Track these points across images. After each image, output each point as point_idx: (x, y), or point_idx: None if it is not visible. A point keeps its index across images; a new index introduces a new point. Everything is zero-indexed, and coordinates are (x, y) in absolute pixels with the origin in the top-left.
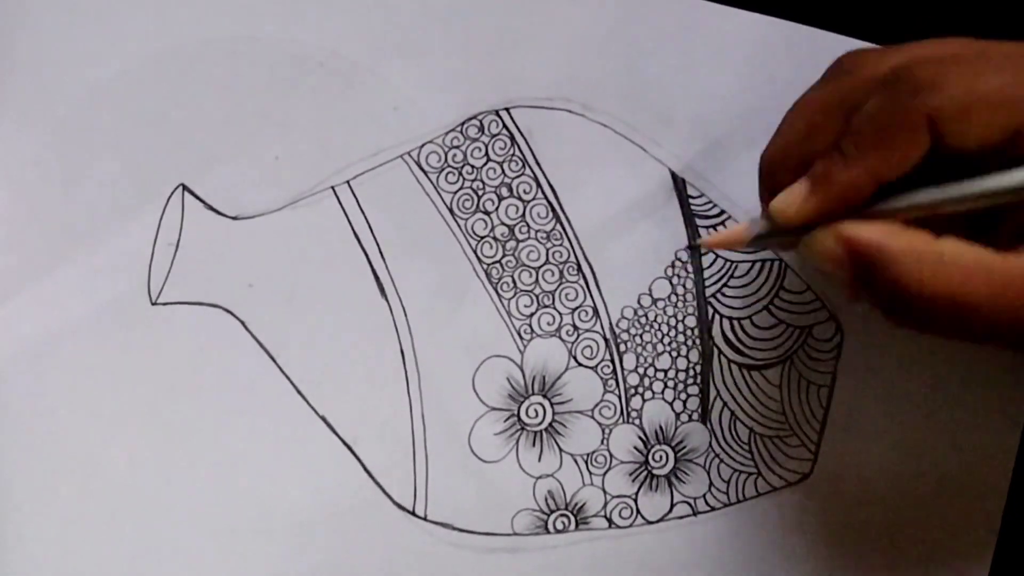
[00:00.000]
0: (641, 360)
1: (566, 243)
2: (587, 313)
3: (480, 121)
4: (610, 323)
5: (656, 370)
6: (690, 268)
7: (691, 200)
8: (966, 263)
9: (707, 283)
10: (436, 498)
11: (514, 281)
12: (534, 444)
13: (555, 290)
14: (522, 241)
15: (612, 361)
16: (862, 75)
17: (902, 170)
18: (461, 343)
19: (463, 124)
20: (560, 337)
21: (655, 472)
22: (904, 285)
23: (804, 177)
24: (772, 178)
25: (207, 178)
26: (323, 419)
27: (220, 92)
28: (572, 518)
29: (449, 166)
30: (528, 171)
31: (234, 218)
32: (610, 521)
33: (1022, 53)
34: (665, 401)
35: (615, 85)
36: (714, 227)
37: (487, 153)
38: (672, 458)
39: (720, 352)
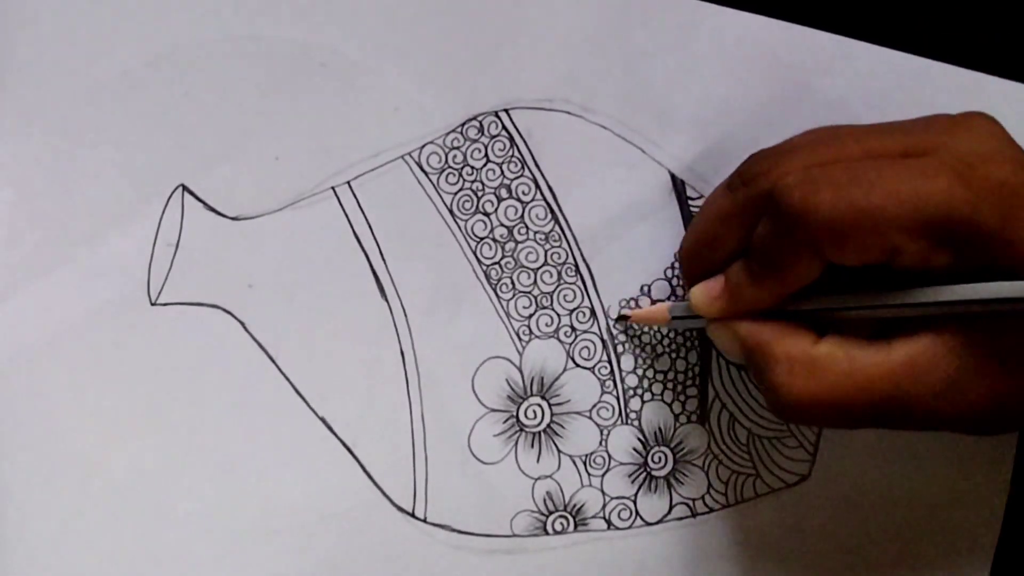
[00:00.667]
0: (640, 361)
1: (565, 244)
2: (585, 314)
3: (480, 122)
4: (608, 324)
5: (655, 371)
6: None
7: (690, 201)
8: (836, 367)
9: None
10: (435, 500)
11: (513, 282)
12: (533, 445)
13: (553, 291)
14: (521, 242)
15: (610, 362)
16: (755, 188)
17: (803, 283)
18: (460, 344)
19: (463, 125)
20: (558, 338)
21: (654, 473)
22: (776, 389)
23: (720, 276)
24: (688, 269)
25: (207, 178)
26: (323, 420)
27: (220, 92)
28: (571, 519)
29: (449, 167)
30: (527, 172)
31: (234, 218)
32: (609, 522)
33: (898, 151)
34: (664, 402)
35: (614, 86)
36: None
37: (486, 154)
38: (671, 459)
39: (718, 353)
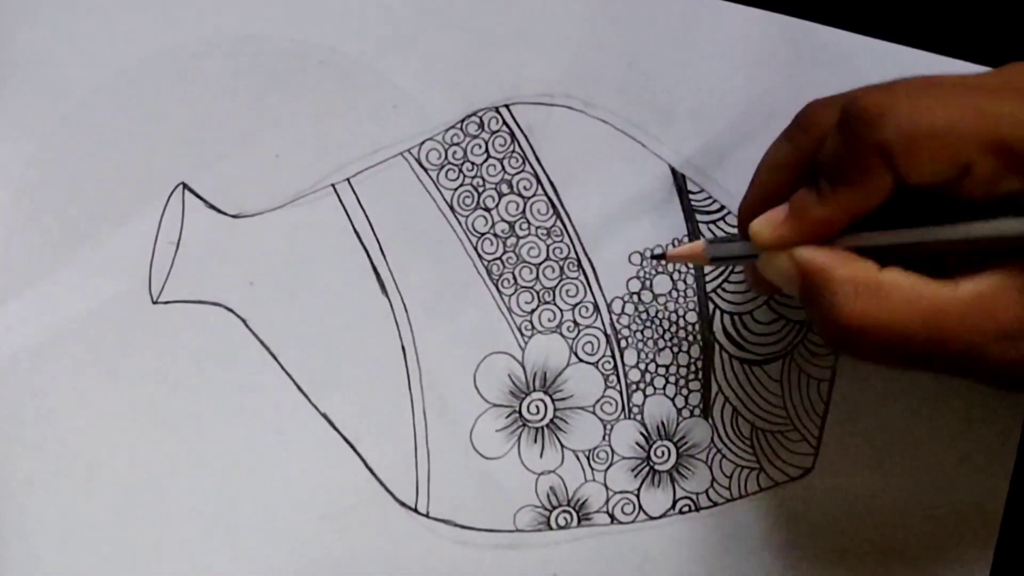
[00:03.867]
0: (642, 356)
1: (566, 239)
2: (587, 309)
3: (480, 118)
4: (611, 319)
5: (657, 365)
6: (691, 264)
7: (691, 195)
8: (902, 295)
9: (707, 278)
10: (438, 495)
11: (515, 277)
12: (536, 440)
13: (555, 286)
14: (522, 237)
15: (613, 357)
16: (817, 131)
17: (872, 205)
18: (462, 340)
19: (463, 121)
20: (561, 333)
21: (657, 468)
22: (838, 311)
23: (784, 205)
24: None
25: (208, 176)
26: (325, 417)
27: (220, 91)
28: (574, 514)
29: (449, 163)
30: (528, 167)
31: (235, 216)
32: (612, 517)
33: (972, 83)
34: (666, 396)
35: (615, 81)
36: (714, 222)
37: (487, 150)
38: (674, 453)
39: (721, 347)
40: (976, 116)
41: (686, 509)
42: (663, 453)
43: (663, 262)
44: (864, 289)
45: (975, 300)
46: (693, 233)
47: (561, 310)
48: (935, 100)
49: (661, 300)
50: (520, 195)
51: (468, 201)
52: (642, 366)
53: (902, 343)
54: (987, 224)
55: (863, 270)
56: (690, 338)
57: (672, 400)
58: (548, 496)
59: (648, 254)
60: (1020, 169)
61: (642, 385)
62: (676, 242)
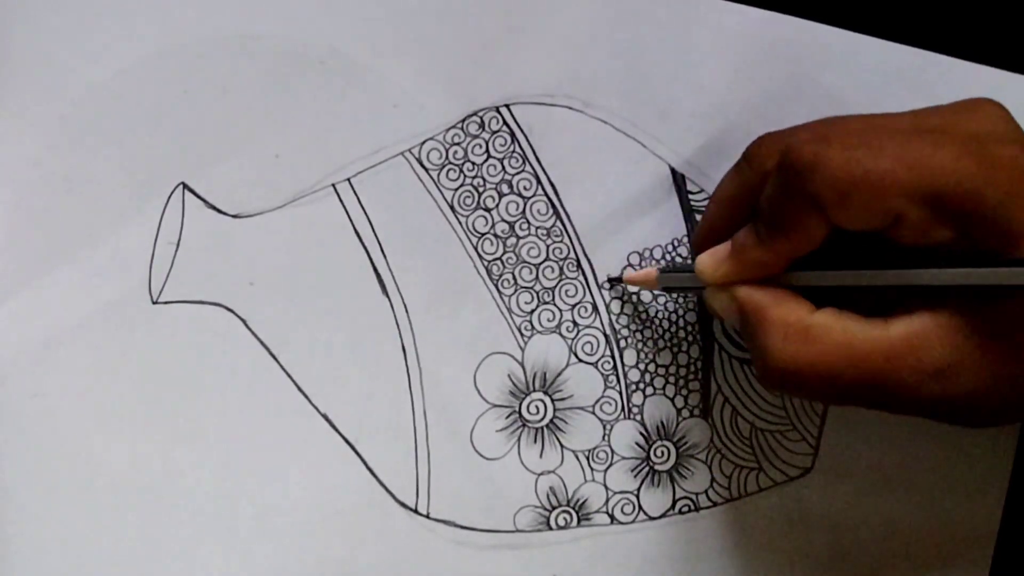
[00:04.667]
0: (642, 356)
1: (566, 239)
2: (587, 309)
3: (480, 118)
4: (610, 319)
5: (657, 366)
6: (691, 263)
7: (691, 196)
8: (831, 337)
9: None
10: (438, 495)
11: (515, 278)
12: (535, 441)
13: (555, 286)
14: (522, 238)
15: (612, 357)
16: (762, 168)
17: (808, 249)
18: (462, 340)
19: (463, 121)
20: (560, 333)
21: (657, 468)
22: (767, 353)
23: (726, 242)
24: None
25: (208, 176)
26: (325, 417)
27: (220, 91)
28: (574, 514)
29: (450, 163)
30: (528, 168)
31: (235, 216)
32: (612, 517)
33: (911, 127)
34: (666, 397)
35: (615, 81)
36: None
37: (487, 150)
38: (674, 453)
39: (721, 347)
40: (908, 168)
41: (686, 509)
42: (663, 453)
43: (620, 284)
44: (793, 332)
45: (903, 340)
46: (692, 233)
47: (561, 310)
48: (868, 151)
49: (661, 300)
50: (520, 195)
51: (468, 201)
52: (642, 366)
53: (830, 384)
54: (920, 272)
55: (794, 312)
56: (690, 338)
57: (672, 400)
58: (548, 496)
59: (606, 279)
60: (950, 220)
61: (642, 385)
62: (675, 241)
